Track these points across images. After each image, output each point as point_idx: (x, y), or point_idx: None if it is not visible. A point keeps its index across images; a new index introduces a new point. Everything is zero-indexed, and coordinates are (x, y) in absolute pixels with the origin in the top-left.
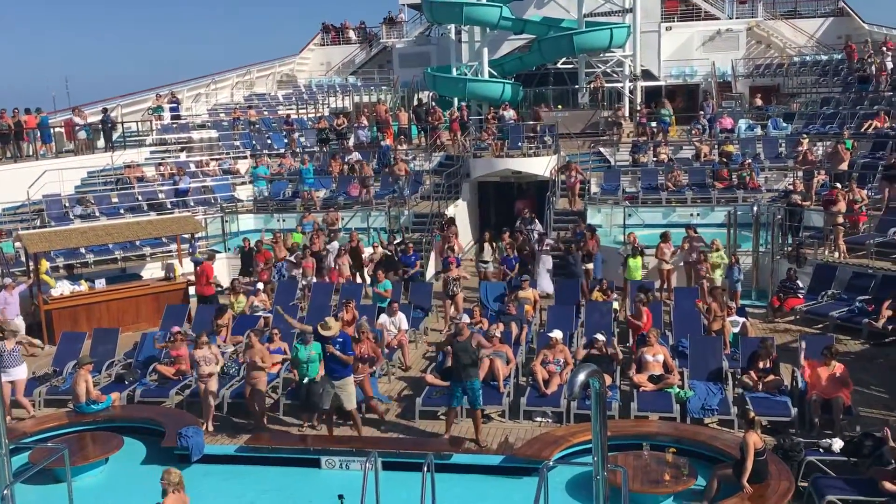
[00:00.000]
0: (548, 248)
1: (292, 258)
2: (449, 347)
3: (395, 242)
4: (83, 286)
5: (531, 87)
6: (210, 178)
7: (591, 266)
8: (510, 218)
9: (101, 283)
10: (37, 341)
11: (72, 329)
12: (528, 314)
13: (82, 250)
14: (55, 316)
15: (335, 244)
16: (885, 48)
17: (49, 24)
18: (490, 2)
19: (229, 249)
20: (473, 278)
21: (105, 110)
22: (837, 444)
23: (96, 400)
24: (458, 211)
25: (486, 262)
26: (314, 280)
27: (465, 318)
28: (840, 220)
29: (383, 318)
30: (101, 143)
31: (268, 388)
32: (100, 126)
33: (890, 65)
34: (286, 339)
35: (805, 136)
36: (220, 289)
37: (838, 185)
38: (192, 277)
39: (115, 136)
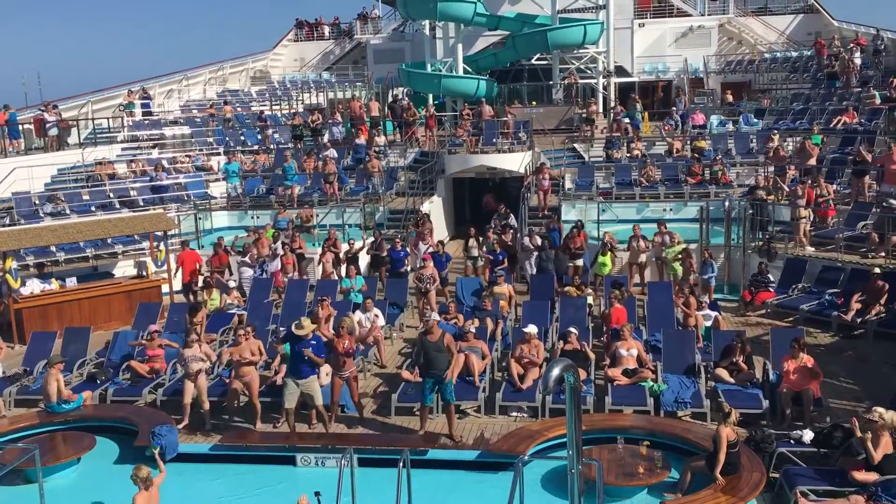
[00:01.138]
0: (534, 245)
1: (247, 257)
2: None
3: (377, 240)
4: (54, 285)
5: (506, 84)
6: (183, 174)
7: (580, 262)
8: (484, 214)
9: (72, 282)
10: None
11: (42, 328)
12: (503, 310)
13: (53, 248)
14: (25, 315)
15: (278, 245)
16: (854, 45)
17: (21, 18)
18: None
19: (202, 247)
20: (455, 274)
21: (45, 104)
22: (808, 435)
23: (68, 399)
24: (434, 207)
25: (475, 258)
26: (292, 277)
27: (435, 317)
28: (803, 213)
29: (358, 314)
30: (72, 139)
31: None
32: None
33: (858, 61)
34: (260, 337)
35: (776, 131)
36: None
37: (807, 179)
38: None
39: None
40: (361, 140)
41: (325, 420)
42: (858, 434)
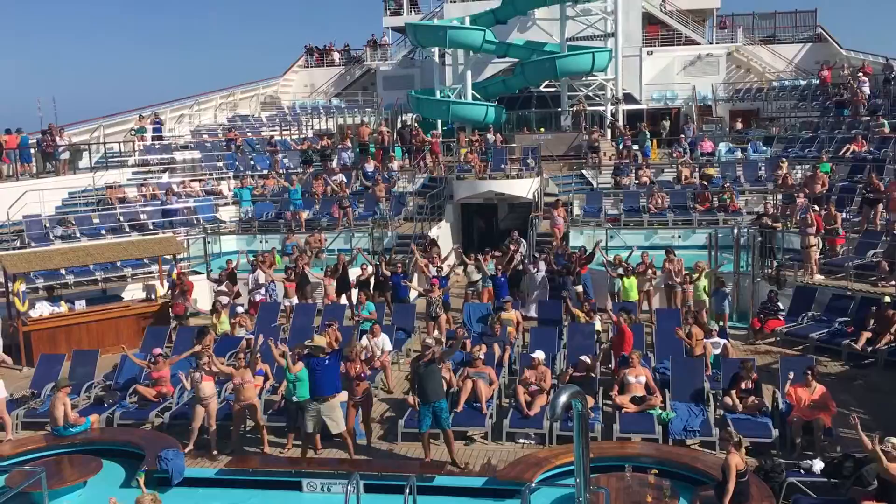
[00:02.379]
0: (541, 269)
1: (223, 286)
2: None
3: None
4: (63, 307)
5: (514, 110)
6: (193, 198)
7: (580, 289)
8: (493, 239)
9: (80, 305)
10: (9, 359)
11: (51, 351)
12: (510, 335)
13: (62, 271)
14: (34, 337)
15: (259, 273)
16: (861, 73)
17: (37, 43)
18: (473, 26)
19: (211, 270)
20: (458, 299)
21: (44, 131)
22: (818, 465)
23: (74, 423)
24: (442, 232)
25: (476, 283)
26: (295, 301)
27: (430, 341)
28: (812, 241)
29: (365, 340)
30: (83, 163)
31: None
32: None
33: (867, 91)
34: (267, 361)
35: (784, 159)
36: (194, 311)
37: (815, 207)
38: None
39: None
40: (370, 165)
41: (350, 446)
42: (870, 446)
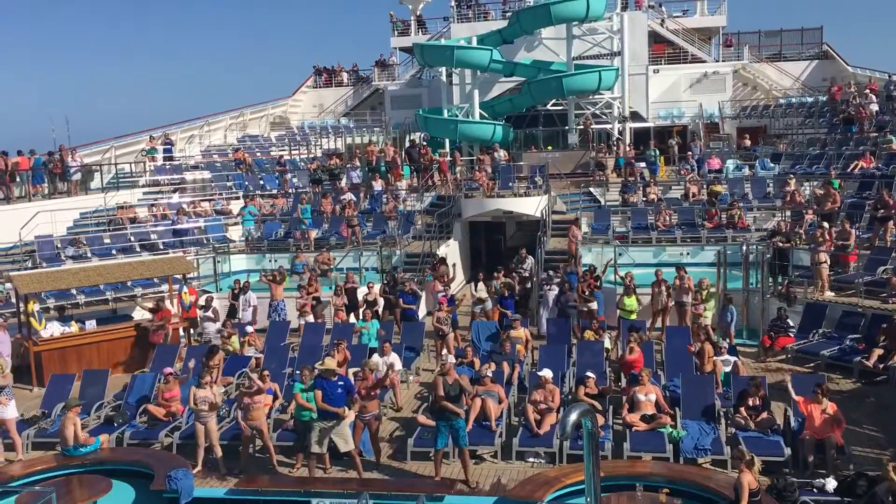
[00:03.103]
0: (554, 288)
1: (209, 312)
2: (440, 389)
3: (389, 283)
4: (73, 327)
5: (522, 129)
6: (203, 218)
7: (594, 306)
8: (501, 257)
9: (91, 325)
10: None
11: (61, 370)
12: (519, 354)
13: (73, 291)
14: (45, 357)
15: (251, 294)
16: (868, 90)
17: (50, 65)
18: (480, 45)
19: (221, 290)
20: (467, 317)
21: (51, 153)
22: (831, 483)
23: (84, 443)
24: (450, 250)
25: (483, 301)
26: (310, 320)
27: (451, 360)
28: (823, 258)
29: (375, 358)
30: (94, 183)
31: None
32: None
33: (875, 107)
34: (277, 380)
35: (792, 176)
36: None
37: (825, 224)
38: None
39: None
40: (378, 184)
41: (358, 465)
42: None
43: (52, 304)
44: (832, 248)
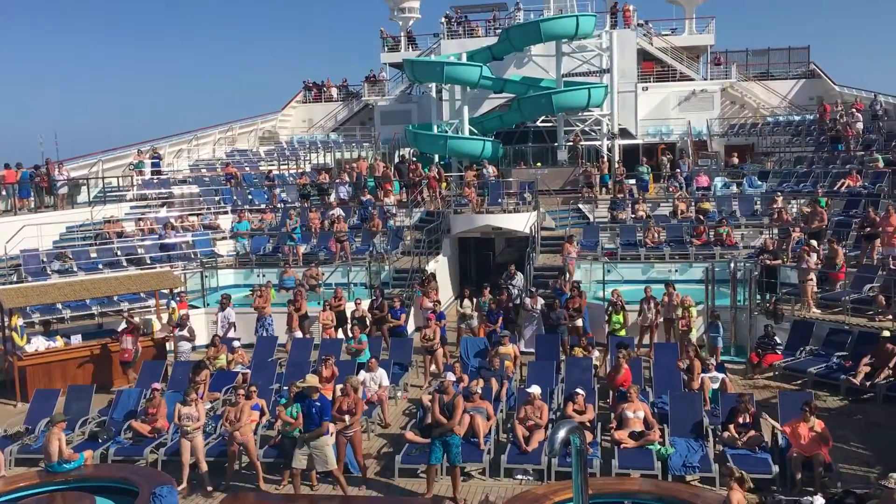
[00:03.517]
0: (539, 308)
1: (185, 331)
2: (436, 405)
3: (378, 299)
4: (59, 342)
5: (511, 145)
6: (190, 233)
7: (579, 323)
8: (490, 273)
9: (76, 339)
10: None
11: (46, 386)
12: (508, 370)
13: (59, 306)
14: (29, 372)
15: (229, 311)
16: (854, 109)
17: (39, 79)
18: (470, 62)
19: (208, 305)
20: (455, 333)
21: (37, 166)
22: (819, 501)
23: (69, 459)
24: (439, 266)
25: (469, 317)
26: (297, 335)
27: (451, 377)
28: (811, 276)
29: (363, 374)
30: (81, 197)
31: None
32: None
33: (860, 126)
34: (264, 396)
35: (779, 194)
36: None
37: (813, 242)
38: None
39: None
40: (367, 198)
41: (342, 483)
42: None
43: (37, 319)
44: (819, 267)
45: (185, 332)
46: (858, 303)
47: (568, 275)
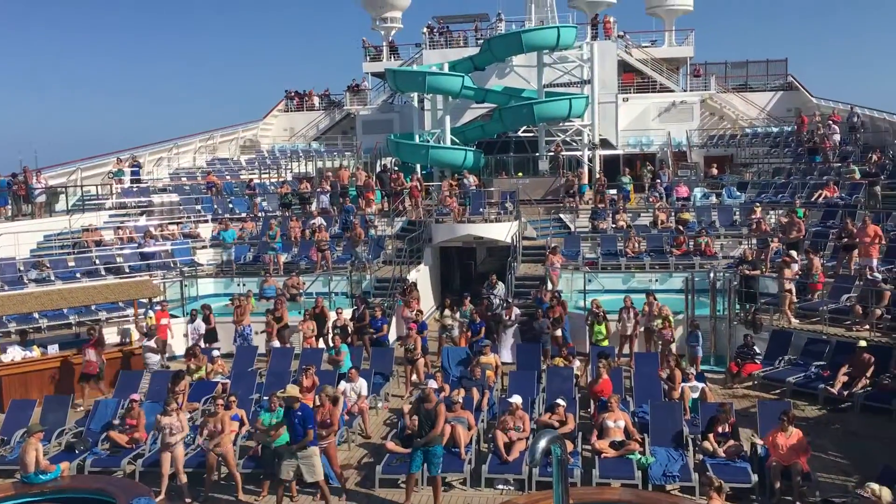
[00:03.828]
0: (515, 319)
1: (152, 342)
2: (415, 415)
3: (360, 309)
4: (35, 352)
5: (493, 155)
6: (170, 242)
7: (558, 333)
8: (471, 282)
9: (53, 349)
10: None
11: (23, 396)
12: (489, 380)
13: (36, 315)
14: (5, 382)
15: (199, 322)
16: (831, 121)
17: (18, 88)
18: (452, 72)
19: (187, 314)
20: (436, 343)
21: (14, 174)
22: None
23: (45, 470)
24: (421, 276)
25: (450, 327)
26: (276, 345)
27: (433, 384)
28: (789, 286)
29: (343, 384)
30: (59, 205)
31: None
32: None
33: (837, 138)
34: (243, 406)
35: (758, 204)
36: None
37: (793, 252)
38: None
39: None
40: (349, 206)
41: (326, 495)
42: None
43: (13, 329)
44: (797, 277)
45: (151, 343)
46: (836, 313)
47: (551, 285)
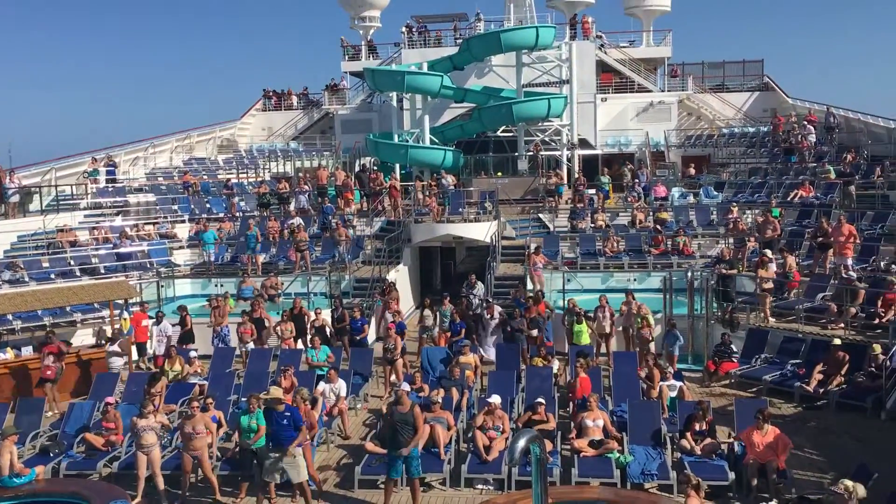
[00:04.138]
0: (497, 316)
1: (116, 346)
2: (389, 416)
3: (339, 310)
4: (9, 354)
5: (472, 154)
6: (146, 242)
7: (535, 333)
8: (451, 282)
9: (28, 351)
10: None
11: None
12: (469, 379)
13: (9, 317)
14: None
15: (165, 324)
16: (806, 122)
17: None
18: (431, 71)
19: (165, 315)
20: (415, 343)
21: None
22: None
23: (20, 473)
24: (400, 276)
25: (429, 328)
26: (252, 346)
27: (405, 387)
28: (769, 285)
29: (322, 385)
30: (33, 206)
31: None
32: None
33: (812, 138)
34: (221, 407)
35: (735, 204)
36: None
37: (768, 252)
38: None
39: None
40: (328, 206)
41: (308, 495)
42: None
43: None
44: (774, 276)
45: (115, 347)
46: (812, 311)
47: (539, 285)
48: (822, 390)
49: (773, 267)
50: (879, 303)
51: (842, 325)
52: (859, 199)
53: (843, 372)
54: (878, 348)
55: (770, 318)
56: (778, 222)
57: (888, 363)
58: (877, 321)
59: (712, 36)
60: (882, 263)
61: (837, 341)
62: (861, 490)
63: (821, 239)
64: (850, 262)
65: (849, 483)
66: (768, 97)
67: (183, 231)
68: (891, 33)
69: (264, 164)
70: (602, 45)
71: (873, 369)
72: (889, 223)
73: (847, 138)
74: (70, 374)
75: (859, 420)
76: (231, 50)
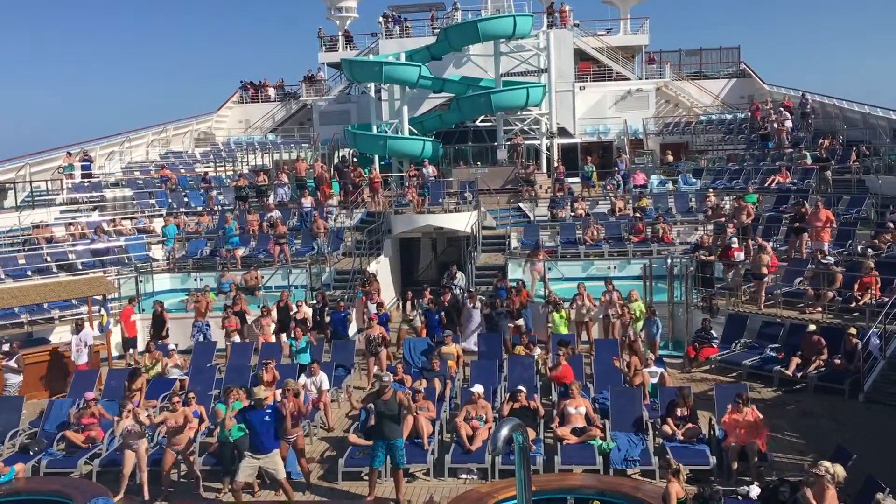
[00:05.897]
0: (479, 305)
1: (13, 362)
2: (371, 406)
3: (321, 303)
4: None
5: (451, 145)
6: (124, 237)
7: (520, 322)
8: (432, 273)
9: (5, 349)
10: None
11: None
12: (451, 370)
13: None
14: None
15: (86, 333)
16: (783, 108)
17: None
18: (409, 62)
19: (143, 310)
20: (394, 335)
21: None
22: (755, 491)
23: None
24: (381, 267)
25: (412, 318)
26: (236, 340)
27: (389, 377)
28: (764, 269)
29: (303, 378)
30: (8, 202)
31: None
32: None
33: (789, 124)
34: (203, 402)
35: (712, 190)
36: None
37: (735, 240)
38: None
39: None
40: (307, 201)
41: (289, 493)
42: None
43: None
44: (747, 261)
45: (12, 363)
46: (789, 296)
47: (543, 284)
48: (800, 374)
49: (741, 255)
50: (856, 286)
51: (819, 308)
52: (836, 183)
53: (821, 356)
54: (853, 331)
55: (763, 305)
56: (752, 207)
57: (863, 346)
58: (854, 304)
59: (689, 23)
60: (858, 247)
61: (812, 327)
62: (840, 471)
63: (798, 224)
64: (826, 246)
65: (828, 464)
66: (745, 84)
67: (160, 225)
68: (865, 17)
69: (242, 156)
70: (579, 35)
71: (849, 352)
72: (865, 207)
73: (823, 124)
74: (53, 371)
75: (837, 402)
76: (207, 40)
